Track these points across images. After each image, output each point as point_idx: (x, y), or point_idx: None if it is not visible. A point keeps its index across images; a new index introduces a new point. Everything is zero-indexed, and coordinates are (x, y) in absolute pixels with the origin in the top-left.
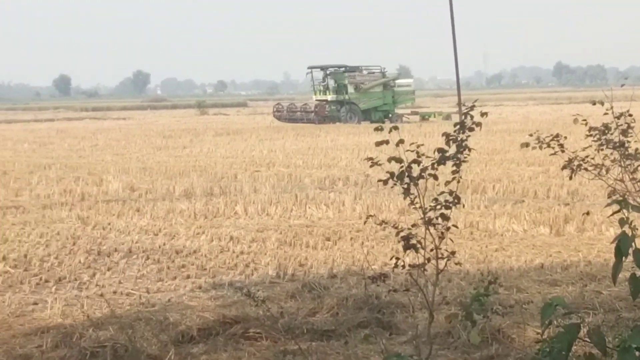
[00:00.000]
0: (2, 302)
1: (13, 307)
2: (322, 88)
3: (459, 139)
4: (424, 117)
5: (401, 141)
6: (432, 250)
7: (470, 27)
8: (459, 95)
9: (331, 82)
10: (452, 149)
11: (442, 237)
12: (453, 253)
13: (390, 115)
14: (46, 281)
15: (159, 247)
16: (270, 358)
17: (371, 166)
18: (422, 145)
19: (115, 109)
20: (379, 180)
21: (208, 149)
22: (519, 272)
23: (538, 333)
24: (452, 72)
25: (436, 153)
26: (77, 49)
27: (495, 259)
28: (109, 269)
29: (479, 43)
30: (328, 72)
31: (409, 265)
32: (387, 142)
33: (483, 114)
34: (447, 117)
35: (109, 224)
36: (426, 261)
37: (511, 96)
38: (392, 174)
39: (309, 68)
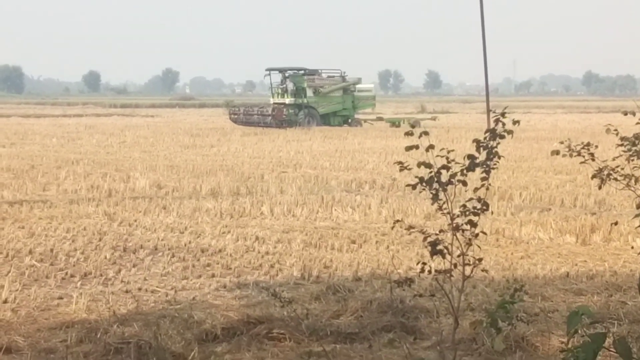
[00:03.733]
0: (27, 295)
1: (38, 301)
2: (280, 91)
3: (489, 146)
4: (394, 124)
5: (431, 146)
6: (459, 256)
7: (500, 34)
8: (487, 101)
9: (290, 85)
10: (482, 156)
11: (469, 244)
12: (480, 260)
13: (349, 120)
14: (72, 276)
15: (185, 245)
16: (293, 359)
17: (401, 170)
18: (453, 150)
19: (144, 106)
20: (408, 185)
21: (235, 148)
22: (544, 281)
23: (562, 342)
24: (480, 79)
25: (465, 159)
26: (107, 45)
27: (520, 267)
28: (134, 266)
29: (508, 50)
30: (287, 74)
31: (436, 271)
32: (417, 147)
33: (515, 122)
34: (416, 122)
35: (135, 220)
36: (453, 267)
37: (540, 104)
38: (421, 179)
39: (266, 70)
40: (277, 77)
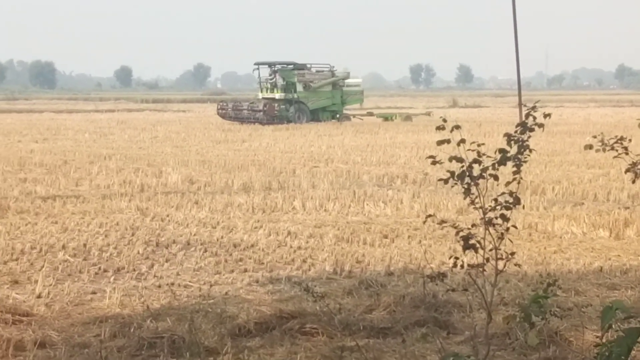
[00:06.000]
0: (61, 290)
1: (72, 295)
2: (269, 85)
3: (520, 139)
4: (387, 118)
5: (462, 141)
6: (491, 250)
7: (532, 27)
8: (519, 95)
9: (279, 80)
10: (513, 150)
11: (501, 238)
12: (512, 254)
13: (337, 115)
14: (105, 271)
15: (217, 240)
16: (327, 354)
17: (432, 164)
18: (483, 144)
19: (176, 101)
20: (440, 180)
21: (267, 143)
22: (577, 275)
23: (597, 337)
24: (512, 72)
25: (497, 153)
26: (139, 40)
27: (553, 261)
28: (167, 261)
29: (540, 43)
30: (275, 69)
31: (468, 265)
32: (448, 141)
33: (546, 116)
34: (407, 118)
35: (168, 215)
36: (485, 261)
37: (572, 98)
38: (452, 173)
39: (255, 64)
40: (266, 72)
